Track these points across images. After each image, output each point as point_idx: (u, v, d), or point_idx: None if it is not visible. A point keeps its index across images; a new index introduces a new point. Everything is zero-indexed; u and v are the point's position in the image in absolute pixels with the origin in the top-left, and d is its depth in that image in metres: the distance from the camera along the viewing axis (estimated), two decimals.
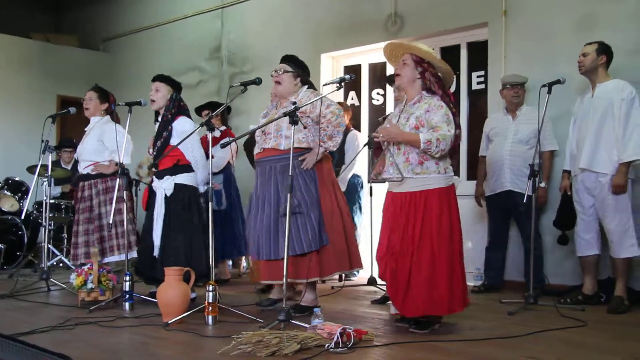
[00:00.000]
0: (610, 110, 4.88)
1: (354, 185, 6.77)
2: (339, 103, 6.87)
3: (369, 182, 6.52)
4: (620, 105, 4.84)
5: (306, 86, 4.80)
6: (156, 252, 4.91)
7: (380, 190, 5.19)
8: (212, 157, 4.64)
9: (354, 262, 4.71)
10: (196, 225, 4.96)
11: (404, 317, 4.07)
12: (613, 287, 4.95)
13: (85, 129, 5.91)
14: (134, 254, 5.53)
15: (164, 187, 4.96)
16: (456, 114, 4.06)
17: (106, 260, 5.52)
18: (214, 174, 6.17)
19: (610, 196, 4.86)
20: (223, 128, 6.71)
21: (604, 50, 5.02)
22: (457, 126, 4.02)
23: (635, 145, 4.78)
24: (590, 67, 5.02)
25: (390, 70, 6.67)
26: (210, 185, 4.47)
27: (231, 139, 4.51)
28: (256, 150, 4.72)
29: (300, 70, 4.79)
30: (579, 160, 5.04)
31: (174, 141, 4.91)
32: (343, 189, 6.56)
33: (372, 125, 7.42)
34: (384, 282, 4.19)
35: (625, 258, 4.88)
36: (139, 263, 5.16)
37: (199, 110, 6.87)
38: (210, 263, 4.40)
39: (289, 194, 3.98)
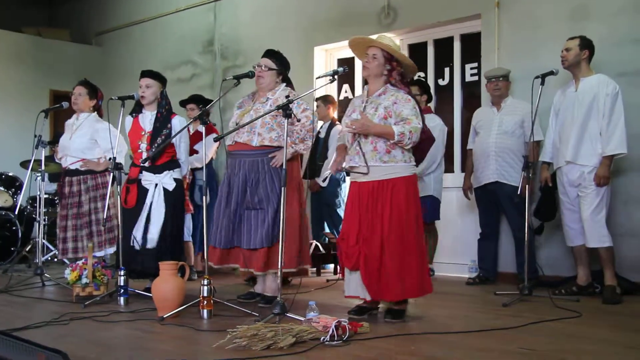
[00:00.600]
0: (594, 104, 4.96)
1: (336, 180, 6.79)
2: (325, 96, 6.92)
3: (330, 175, 6.57)
4: (605, 100, 4.92)
5: (284, 84, 4.87)
6: (150, 244, 4.91)
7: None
8: (197, 152, 4.66)
9: (305, 261, 4.85)
10: (182, 218, 5.23)
11: (357, 309, 4.14)
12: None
13: (68, 122, 5.88)
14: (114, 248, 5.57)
15: (164, 182, 5.01)
16: (422, 109, 4.20)
17: (97, 254, 5.52)
18: (198, 169, 6.19)
19: (592, 187, 4.94)
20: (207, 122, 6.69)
21: (586, 45, 5.09)
22: (423, 121, 4.14)
23: (618, 139, 4.88)
24: (574, 61, 5.08)
25: None
26: (204, 180, 4.48)
27: (222, 133, 4.50)
28: (228, 142, 4.77)
29: (283, 68, 4.85)
30: (564, 153, 5.10)
31: (174, 140, 5.01)
32: (325, 183, 6.62)
33: None
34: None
35: (607, 247, 4.94)
36: (124, 260, 4.96)
37: (183, 104, 6.84)
38: (205, 256, 4.43)
39: (283, 187, 4.00)
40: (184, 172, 5.27)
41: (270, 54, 4.86)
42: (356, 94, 7.66)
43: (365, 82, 4.38)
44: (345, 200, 6.67)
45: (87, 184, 5.65)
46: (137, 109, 5.19)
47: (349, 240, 4.11)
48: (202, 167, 4.48)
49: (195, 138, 6.09)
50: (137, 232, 4.93)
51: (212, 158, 6.71)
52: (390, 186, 4.01)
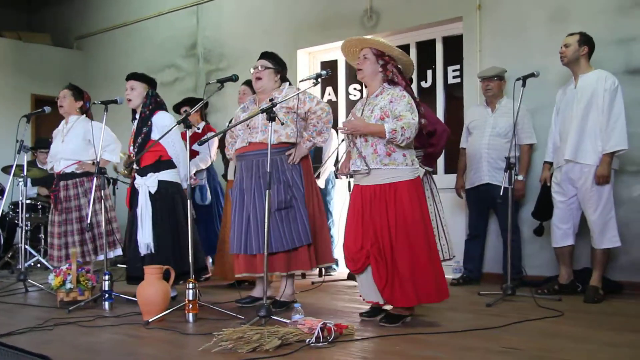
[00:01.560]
0: (593, 101, 4.91)
1: (327, 181, 6.80)
2: None
3: (336, 176, 6.57)
4: (604, 96, 4.87)
5: (288, 83, 4.82)
6: (142, 250, 4.82)
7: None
8: (198, 153, 4.62)
9: (330, 257, 4.82)
10: (184, 223, 4.86)
11: (370, 311, 4.15)
12: (589, 277, 5.02)
13: (56, 130, 5.85)
14: (118, 252, 5.54)
15: (148, 184, 4.86)
16: (419, 104, 4.12)
17: (100, 258, 5.51)
18: (202, 170, 6.16)
19: (594, 187, 4.90)
20: (203, 124, 6.68)
21: (586, 41, 5.05)
22: (422, 115, 4.07)
23: (618, 135, 4.82)
24: (572, 57, 5.05)
25: None
26: (188, 182, 4.45)
27: (211, 134, 4.50)
28: (240, 145, 4.68)
29: (280, 67, 4.80)
30: (563, 151, 5.06)
31: (154, 136, 4.84)
32: (322, 186, 6.60)
33: None
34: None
35: (605, 249, 4.95)
36: (129, 266, 4.97)
37: (177, 107, 6.84)
38: (190, 260, 4.37)
39: (267, 191, 3.97)
40: (183, 173, 4.98)
41: (266, 55, 4.82)
42: (339, 97, 7.70)
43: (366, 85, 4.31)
44: (334, 198, 6.76)
45: (84, 187, 5.62)
46: (134, 114, 5.11)
47: (354, 245, 4.07)
48: (203, 169, 4.44)
49: (194, 138, 5.99)
50: (138, 236, 4.87)
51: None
52: (393, 190, 3.95)
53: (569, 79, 5.24)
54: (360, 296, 4.26)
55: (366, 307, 4.33)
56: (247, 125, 4.63)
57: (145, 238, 4.81)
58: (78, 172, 5.64)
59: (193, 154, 5.78)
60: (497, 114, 5.80)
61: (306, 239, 4.49)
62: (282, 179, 4.52)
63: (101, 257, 5.50)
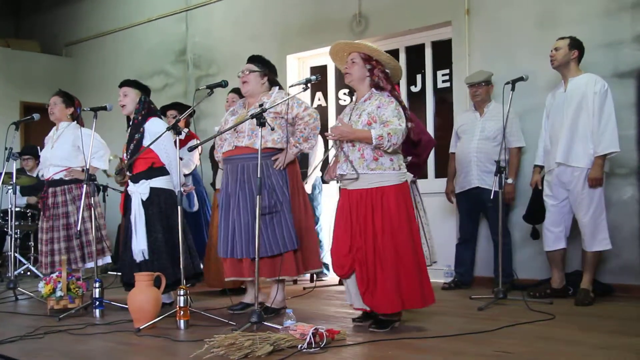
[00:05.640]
0: (584, 104, 4.94)
1: (314, 187, 6.80)
2: None
3: (323, 181, 6.57)
4: (594, 99, 4.90)
5: (277, 87, 4.81)
6: (137, 257, 4.78)
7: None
8: (181, 159, 4.60)
9: (317, 263, 4.80)
10: (177, 229, 4.80)
11: (362, 316, 4.14)
12: (580, 280, 5.04)
13: (47, 136, 5.84)
14: (107, 259, 5.51)
15: (140, 191, 4.83)
16: (406, 108, 4.12)
17: (88, 266, 5.48)
18: (185, 176, 6.15)
19: (586, 190, 4.93)
20: (186, 130, 6.66)
21: (576, 45, 5.08)
22: (409, 119, 4.08)
23: (609, 138, 4.85)
24: (562, 61, 5.08)
25: None
26: (180, 189, 4.45)
27: (199, 142, 4.49)
28: (227, 148, 4.67)
29: (267, 69, 4.79)
30: (554, 154, 5.08)
31: (146, 143, 4.79)
32: (309, 191, 6.60)
33: None
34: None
35: (596, 252, 4.97)
36: (125, 273, 4.92)
37: (164, 110, 6.82)
38: (182, 266, 4.35)
39: (258, 196, 3.98)
40: (176, 180, 4.86)
41: (253, 58, 4.82)
42: (329, 102, 7.71)
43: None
44: (321, 204, 6.76)
45: (73, 194, 5.60)
46: (128, 120, 5.07)
47: (341, 249, 4.07)
48: (189, 174, 4.44)
49: (180, 144, 5.97)
50: (129, 243, 4.85)
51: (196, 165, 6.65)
52: (380, 195, 3.95)
53: (558, 82, 5.26)
54: (351, 305, 4.24)
55: (358, 312, 4.32)
56: (235, 130, 4.63)
57: (139, 245, 4.78)
58: (66, 179, 5.62)
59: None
60: (486, 118, 5.83)
61: (291, 245, 4.48)
62: (267, 183, 4.50)
63: (89, 265, 5.48)
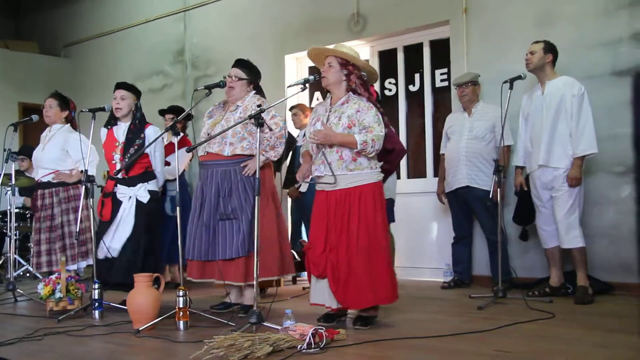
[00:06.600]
0: (562, 106, 5.03)
1: (312, 186, 6.76)
2: (299, 104, 6.92)
3: (297, 186, 6.53)
4: (572, 101, 4.99)
5: (254, 91, 4.86)
6: (100, 255, 4.88)
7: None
8: (168, 164, 4.63)
9: (287, 269, 4.80)
10: (158, 231, 5.11)
11: (328, 316, 4.15)
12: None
13: (42, 135, 5.84)
14: (90, 261, 5.52)
15: (138, 194, 4.95)
16: (384, 114, 4.18)
17: (70, 267, 5.50)
18: (170, 181, 6.15)
19: (565, 188, 5.01)
20: (181, 135, 6.65)
21: (550, 49, 5.18)
22: (386, 124, 4.14)
23: (588, 139, 4.94)
24: (538, 64, 5.17)
25: None
26: (177, 191, 4.46)
27: (194, 145, 4.50)
28: (200, 153, 4.75)
29: (253, 77, 4.85)
30: (536, 157, 5.15)
31: (147, 149, 4.93)
32: (305, 189, 6.58)
33: None
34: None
35: (579, 248, 5.01)
36: (98, 270, 4.93)
37: (162, 113, 6.82)
38: (180, 268, 4.42)
39: (256, 196, 4.00)
40: (160, 183, 5.19)
41: (240, 63, 4.86)
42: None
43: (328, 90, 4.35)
44: None
45: (59, 196, 5.63)
46: (112, 121, 5.13)
47: (316, 248, 4.11)
48: (175, 179, 4.47)
49: (168, 150, 6.04)
50: (105, 241, 4.89)
51: (184, 170, 6.67)
52: (358, 194, 4.01)
53: (536, 84, 5.31)
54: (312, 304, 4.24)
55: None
56: (208, 134, 4.67)
57: (114, 243, 4.88)
58: (54, 181, 5.66)
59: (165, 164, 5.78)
60: (474, 118, 5.89)
61: (242, 251, 4.51)
62: (232, 189, 4.58)
63: (72, 267, 5.53)
